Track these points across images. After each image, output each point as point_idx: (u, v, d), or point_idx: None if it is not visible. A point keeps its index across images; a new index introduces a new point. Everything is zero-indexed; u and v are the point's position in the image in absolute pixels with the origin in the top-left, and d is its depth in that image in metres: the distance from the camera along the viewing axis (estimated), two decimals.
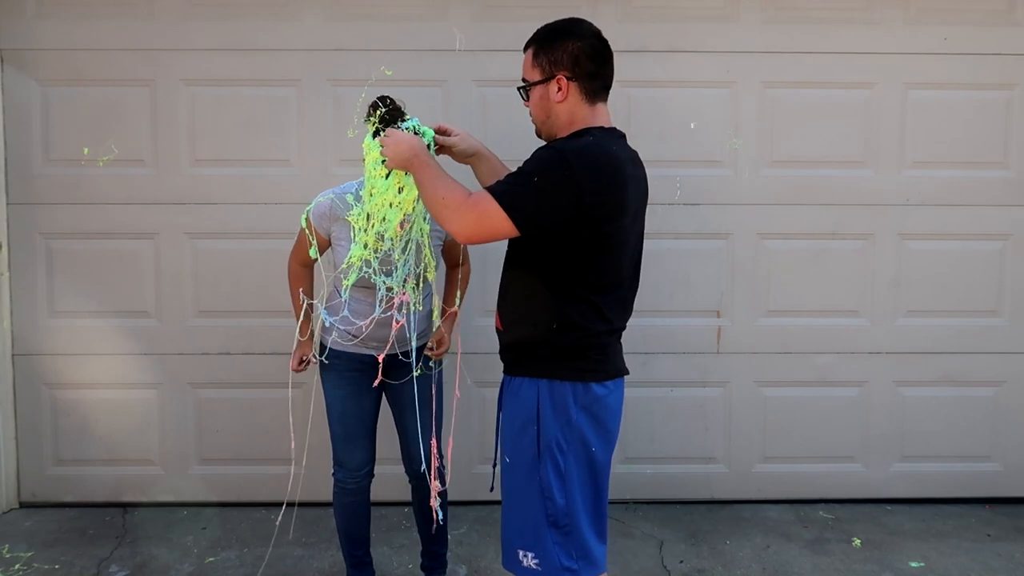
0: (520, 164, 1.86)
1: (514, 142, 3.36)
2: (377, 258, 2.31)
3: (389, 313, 2.35)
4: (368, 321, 2.40)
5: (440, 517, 2.51)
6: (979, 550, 3.16)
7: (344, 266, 2.35)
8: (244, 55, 3.35)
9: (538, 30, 1.98)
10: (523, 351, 1.94)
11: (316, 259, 2.50)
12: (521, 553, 1.92)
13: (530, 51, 1.98)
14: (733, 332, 3.50)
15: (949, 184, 3.46)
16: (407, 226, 2.32)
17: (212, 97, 3.37)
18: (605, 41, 1.96)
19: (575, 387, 1.89)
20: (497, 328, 2.04)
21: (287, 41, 3.35)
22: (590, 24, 1.97)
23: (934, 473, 3.57)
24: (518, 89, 2.02)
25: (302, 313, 2.55)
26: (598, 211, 1.81)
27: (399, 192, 2.21)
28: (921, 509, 3.51)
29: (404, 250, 2.31)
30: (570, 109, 1.93)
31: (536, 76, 1.95)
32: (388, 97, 2.32)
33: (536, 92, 1.96)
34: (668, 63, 3.39)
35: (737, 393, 3.53)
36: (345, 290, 2.39)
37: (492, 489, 2.12)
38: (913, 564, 3.06)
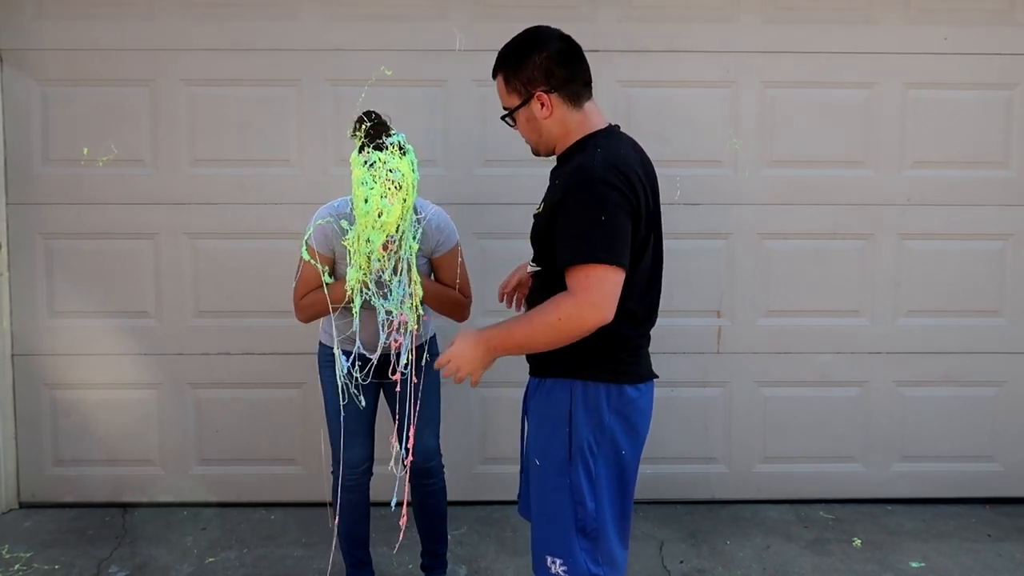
0: (556, 192, 1.83)
1: (514, 142, 3.34)
2: (372, 279, 2.31)
3: (392, 338, 2.36)
4: (376, 355, 2.43)
5: (398, 500, 2.46)
6: (980, 550, 3.16)
7: (347, 291, 2.35)
8: (244, 55, 3.35)
9: (500, 52, 1.95)
10: (555, 353, 1.88)
11: (330, 283, 2.43)
12: (549, 560, 1.90)
13: (500, 78, 1.95)
14: (733, 332, 3.50)
15: (949, 184, 3.46)
16: (392, 247, 2.31)
17: (212, 97, 3.37)
18: (569, 39, 1.93)
19: (608, 389, 1.86)
20: None
21: (287, 41, 3.34)
22: (548, 28, 1.94)
23: (934, 473, 3.57)
24: (502, 118, 1.99)
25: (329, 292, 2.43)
26: (637, 216, 1.80)
27: (379, 216, 2.22)
28: (921, 509, 3.51)
29: (396, 270, 2.32)
30: (560, 120, 1.89)
31: (515, 101, 1.92)
32: (373, 112, 2.33)
33: (521, 116, 1.93)
34: (668, 63, 3.39)
35: (737, 393, 3.53)
36: (355, 316, 2.39)
37: (519, 497, 2.12)
38: (914, 564, 3.05)
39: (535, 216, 1.96)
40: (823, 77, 3.41)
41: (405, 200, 2.26)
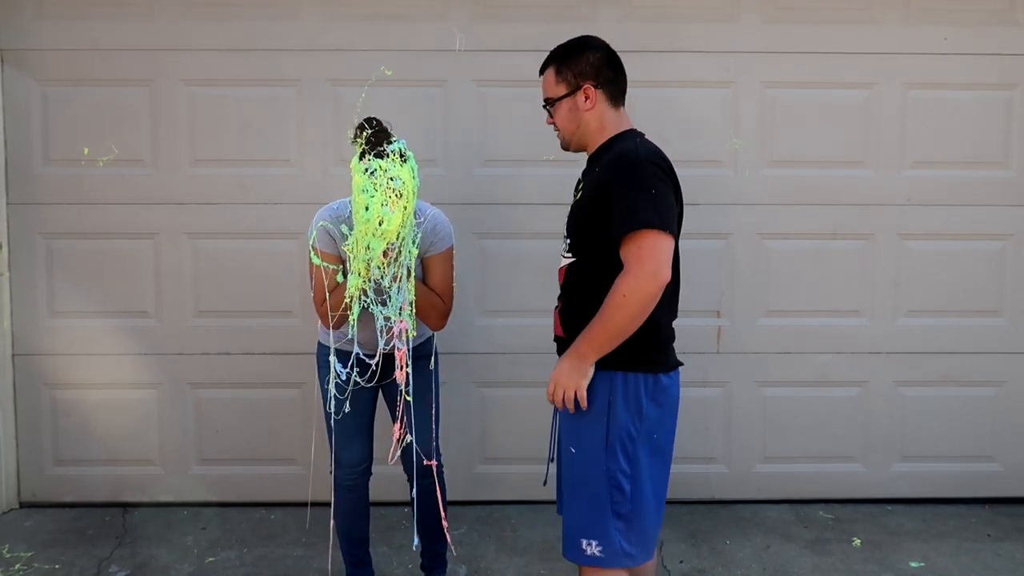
0: (601, 177, 1.95)
1: (514, 141, 3.38)
2: (371, 286, 2.31)
3: (391, 344, 2.36)
4: (376, 360, 2.44)
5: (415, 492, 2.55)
6: (979, 550, 3.16)
7: (347, 299, 2.35)
8: (244, 55, 3.35)
9: (553, 51, 2.11)
10: None
11: (342, 282, 2.42)
12: (584, 542, 1.98)
13: (551, 69, 2.09)
14: (733, 332, 3.50)
15: (949, 184, 3.46)
16: (392, 254, 2.31)
17: (212, 97, 3.37)
18: (615, 51, 2.12)
19: (646, 378, 1.97)
20: (557, 335, 2.10)
21: (287, 41, 3.34)
22: (598, 38, 2.13)
23: (934, 473, 3.57)
24: (544, 106, 2.12)
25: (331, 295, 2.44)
26: (675, 201, 1.96)
27: (379, 224, 2.22)
28: (921, 509, 3.51)
29: (395, 277, 2.31)
30: (599, 116, 2.06)
31: (562, 90, 2.06)
32: (374, 119, 2.33)
33: (563, 105, 2.07)
34: (668, 63, 3.39)
35: (737, 393, 3.53)
36: (352, 324, 2.39)
37: (545, 483, 2.19)
38: (913, 564, 3.05)
39: (574, 203, 2.08)
40: (823, 77, 3.41)
41: (406, 208, 2.25)
